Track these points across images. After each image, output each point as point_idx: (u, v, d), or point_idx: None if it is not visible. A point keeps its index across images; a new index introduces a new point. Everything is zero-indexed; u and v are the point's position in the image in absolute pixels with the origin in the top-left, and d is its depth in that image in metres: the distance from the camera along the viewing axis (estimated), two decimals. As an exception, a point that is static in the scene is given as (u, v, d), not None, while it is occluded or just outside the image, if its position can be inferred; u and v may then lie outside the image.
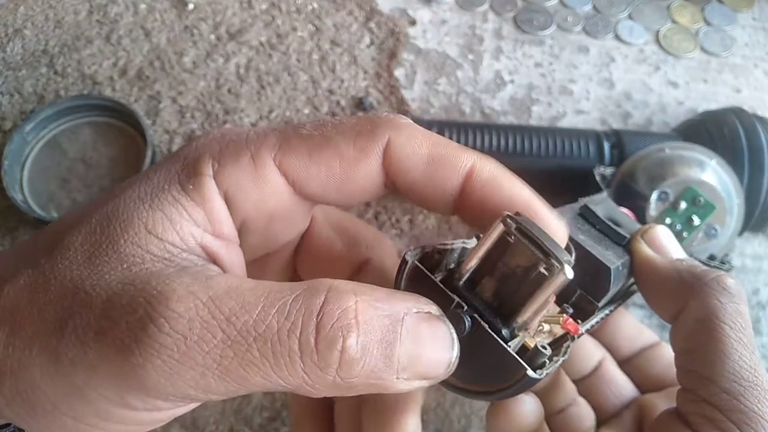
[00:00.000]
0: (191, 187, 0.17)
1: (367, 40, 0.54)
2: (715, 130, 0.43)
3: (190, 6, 0.55)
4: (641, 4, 0.58)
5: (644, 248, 0.25)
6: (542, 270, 0.18)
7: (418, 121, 0.44)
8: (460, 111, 0.50)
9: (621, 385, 0.28)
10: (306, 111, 0.49)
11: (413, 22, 0.56)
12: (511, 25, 0.56)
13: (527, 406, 0.26)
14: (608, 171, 0.39)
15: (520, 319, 0.18)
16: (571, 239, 0.22)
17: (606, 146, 0.43)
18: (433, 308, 0.18)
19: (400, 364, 0.16)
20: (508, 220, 0.18)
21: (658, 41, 0.56)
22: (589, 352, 0.29)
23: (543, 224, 0.19)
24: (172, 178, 0.18)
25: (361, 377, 0.16)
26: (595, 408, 0.29)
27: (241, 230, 0.19)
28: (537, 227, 0.18)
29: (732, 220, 0.37)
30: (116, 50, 0.51)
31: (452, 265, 0.20)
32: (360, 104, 0.49)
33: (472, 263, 0.19)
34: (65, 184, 0.44)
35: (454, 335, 0.18)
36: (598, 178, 0.38)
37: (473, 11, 0.57)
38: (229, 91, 0.50)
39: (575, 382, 0.29)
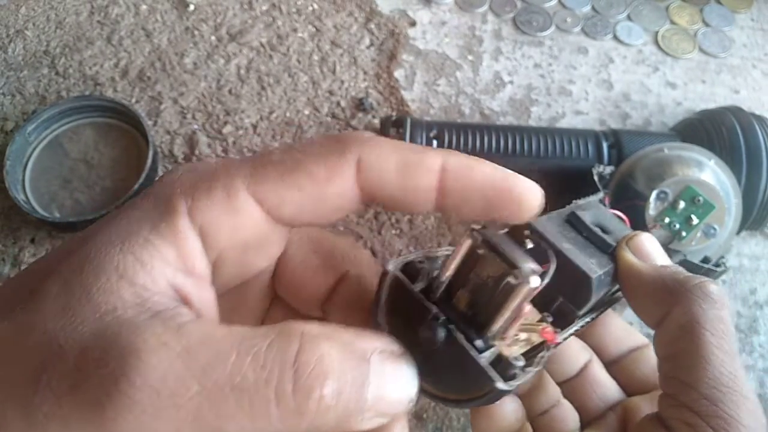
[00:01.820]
0: (163, 225, 0.17)
1: (367, 41, 0.54)
2: (713, 130, 0.43)
3: (191, 7, 0.55)
4: (640, 5, 0.59)
5: (628, 255, 0.25)
6: (510, 280, 0.18)
7: (417, 122, 0.45)
8: (459, 112, 0.51)
9: (606, 388, 0.28)
10: (306, 112, 0.49)
11: (413, 23, 0.56)
12: (511, 26, 0.57)
13: (508, 408, 0.27)
14: (607, 170, 0.39)
15: (494, 329, 0.19)
16: (553, 248, 0.23)
17: (605, 146, 0.43)
18: (395, 347, 0.18)
19: (366, 404, 0.16)
20: (475, 233, 0.18)
21: (656, 42, 0.56)
22: (574, 354, 0.29)
23: (520, 195, 0.19)
24: (144, 218, 0.18)
25: (335, 420, 0.16)
26: (580, 410, 0.29)
27: (217, 262, 0.19)
28: (504, 238, 0.19)
29: (730, 220, 0.38)
30: (117, 51, 0.52)
31: (436, 273, 0.20)
32: (360, 105, 0.50)
33: (447, 275, 0.19)
34: (67, 184, 0.45)
35: (414, 372, 0.18)
36: (595, 177, 0.38)
37: (473, 12, 0.57)
38: (229, 91, 0.50)
39: (560, 383, 0.29)
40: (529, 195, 0.20)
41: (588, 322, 0.25)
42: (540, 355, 0.21)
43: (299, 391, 0.15)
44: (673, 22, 0.58)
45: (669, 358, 0.22)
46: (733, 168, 0.39)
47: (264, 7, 0.55)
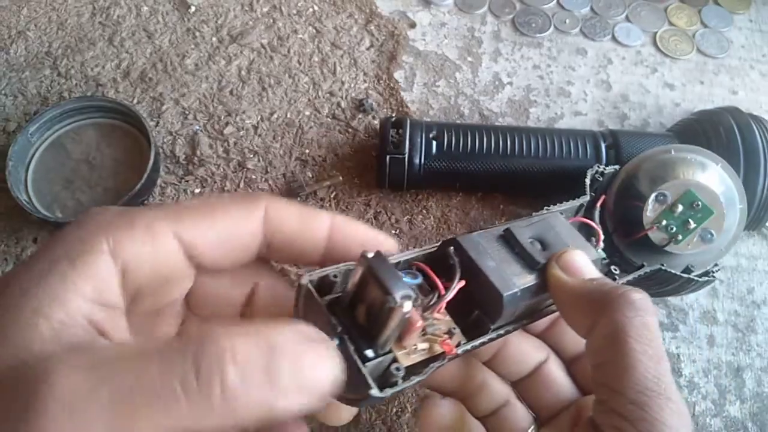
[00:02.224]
0: (80, 262, 0.18)
1: (367, 42, 0.54)
2: (710, 130, 0.43)
3: (193, 9, 0.55)
4: (638, 6, 0.59)
5: (556, 272, 0.26)
6: (388, 304, 0.20)
7: (417, 122, 0.45)
8: (459, 112, 0.51)
9: (559, 387, 0.29)
10: (307, 112, 0.50)
11: (413, 25, 0.56)
12: (510, 27, 0.57)
13: (442, 409, 0.28)
14: (608, 169, 0.39)
15: (381, 341, 0.21)
16: (472, 264, 0.25)
17: (603, 147, 0.44)
18: (312, 331, 0.19)
19: (282, 385, 0.17)
20: (363, 260, 0.21)
21: (655, 43, 0.57)
22: (526, 354, 0.29)
23: (379, 246, 0.23)
24: (63, 256, 0.19)
25: (251, 405, 0.17)
26: (536, 409, 0.30)
27: (136, 295, 0.21)
28: (388, 266, 0.21)
29: (733, 225, 0.37)
30: (119, 52, 0.52)
31: (344, 288, 0.23)
32: (360, 106, 0.50)
33: (348, 291, 0.22)
34: (69, 184, 0.45)
35: (334, 354, 0.20)
36: (587, 179, 0.38)
37: (472, 14, 0.57)
38: (231, 92, 0.50)
39: (514, 383, 0.30)
40: (388, 247, 0.24)
41: (510, 330, 0.27)
42: (432, 364, 0.23)
43: (202, 382, 0.16)
44: (671, 24, 0.58)
45: (598, 365, 0.23)
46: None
47: (265, 9, 0.56)
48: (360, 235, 0.24)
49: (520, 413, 0.29)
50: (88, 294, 0.18)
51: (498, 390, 0.30)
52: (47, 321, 0.17)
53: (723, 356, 0.41)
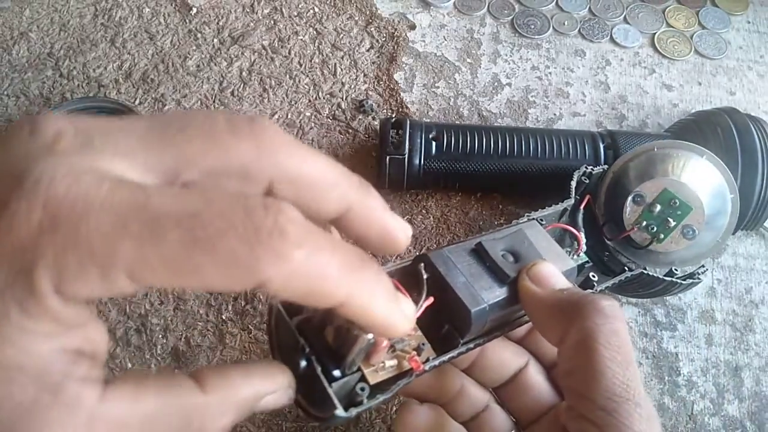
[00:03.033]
0: (33, 307, 0.15)
1: (367, 43, 0.55)
2: (708, 131, 0.43)
3: (194, 10, 0.55)
4: (637, 8, 0.59)
5: (526, 284, 0.27)
6: (354, 331, 0.21)
7: (417, 123, 0.45)
8: (458, 113, 0.51)
9: (540, 393, 0.29)
10: (308, 113, 0.50)
11: (413, 27, 0.56)
12: (509, 29, 0.57)
13: (417, 415, 0.29)
14: (596, 170, 0.39)
15: (348, 362, 0.22)
16: (441, 280, 0.26)
17: (601, 147, 0.44)
18: (277, 381, 0.21)
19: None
20: None
21: (653, 44, 0.57)
22: (505, 360, 0.30)
23: (389, 330, 0.21)
24: (5, 297, 0.15)
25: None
26: (516, 414, 0.30)
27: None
28: None
29: (725, 217, 0.38)
30: (121, 53, 0.52)
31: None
32: (360, 107, 0.50)
33: (318, 314, 0.23)
34: (71, 184, 0.45)
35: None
36: (573, 182, 0.38)
37: (471, 15, 0.58)
38: (232, 93, 0.51)
39: (495, 389, 0.30)
40: (400, 331, 0.21)
41: (480, 344, 0.27)
42: (397, 382, 0.24)
43: None
44: (669, 25, 0.59)
45: (568, 372, 0.24)
46: (728, 168, 0.39)
47: (266, 11, 0.56)
48: (369, 322, 0.20)
49: (499, 418, 0.30)
50: (53, 333, 0.16)
51: (477, 396, 0.30)
52: (22, 372, 0.16)
53: (721, 355, 0.41)
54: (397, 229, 0.21)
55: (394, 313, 0.20)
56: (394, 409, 0.37)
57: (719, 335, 0.42)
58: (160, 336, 0.38)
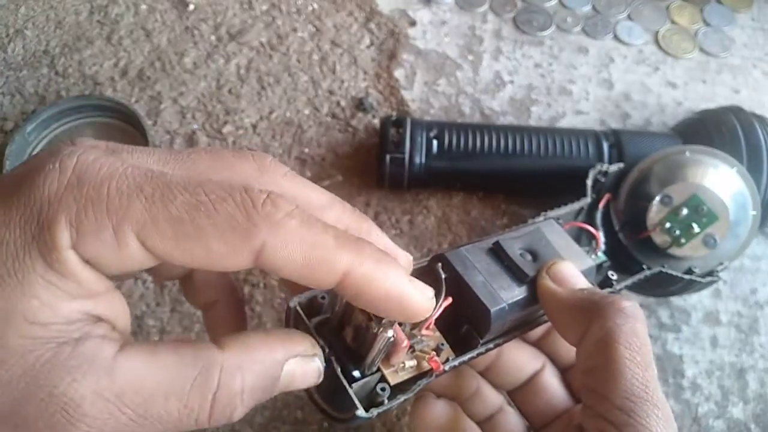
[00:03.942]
0: (55, 262, 0.17)
1: (367, 40, 0.54)
2: (713, 129, 0.43)
3: (191, 7, 0.55)
4: (640, 4, 0.59)
5: (546, 282, 0.26)
6: (373, 329, 0.21)
7: (418, 121, 0.45)
8: (459, 111, 0.50)
9: (553, 396, 0.29)
10: (306, 111, 0.49)
11: (413, 23, 0.56)
12: (511, 25, 0.56)
13: (435, 408, 0.29)
14: (612, 168, 0.39)
15: (368, 363, 0.22)
16: (460, 280, 0.26)
17: (605, 146, 0.43)
18: (307, 348, 0.21)
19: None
20: None
21: (657, 42, 0.56)
22: (521, 364, 0.30)
23: (407, 306, 0.20)
24: (31, 249, 0.17)
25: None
26: (530, 417, 0.30)
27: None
28: None
29: (744, 231, 0.37)
30: (117, 51, 0.51)
31: (337, 307, 0.23)
32: (360, 104, 0.50)
33: (336, 313, 0.23)
34: (66, 184, 0.45)
35: (319, 368, 0.21)
36: (589, 181, 0.37)
37: (473, 12, 0.57)
38: (229, 91, 0.50)
39: (510, 392, 0.30)
40: (420, 309, 0.20)
41: (499, 344, 0.27)
42: (418, 383, 0.24)
43: (214, 418, 0.19)
44: (673, 22, 0.58)
45: (587, 371, 0.24)
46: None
47: (264, 7, 0.55)
48: (380, 293, 0.19)
49: (512, 420, 0.30)
50: (75, 292, 0.17)
51: (492, 397, 0.30)
52: (45, 327, 0.17)
53: (726, 357, 0.40)
54: (399, 256, 0.22)
55: (407, 286, 0.20)
56: (395, 412, 0.37)
57: (724, 337, 0.41)
58: (156, 338, 0.38)
